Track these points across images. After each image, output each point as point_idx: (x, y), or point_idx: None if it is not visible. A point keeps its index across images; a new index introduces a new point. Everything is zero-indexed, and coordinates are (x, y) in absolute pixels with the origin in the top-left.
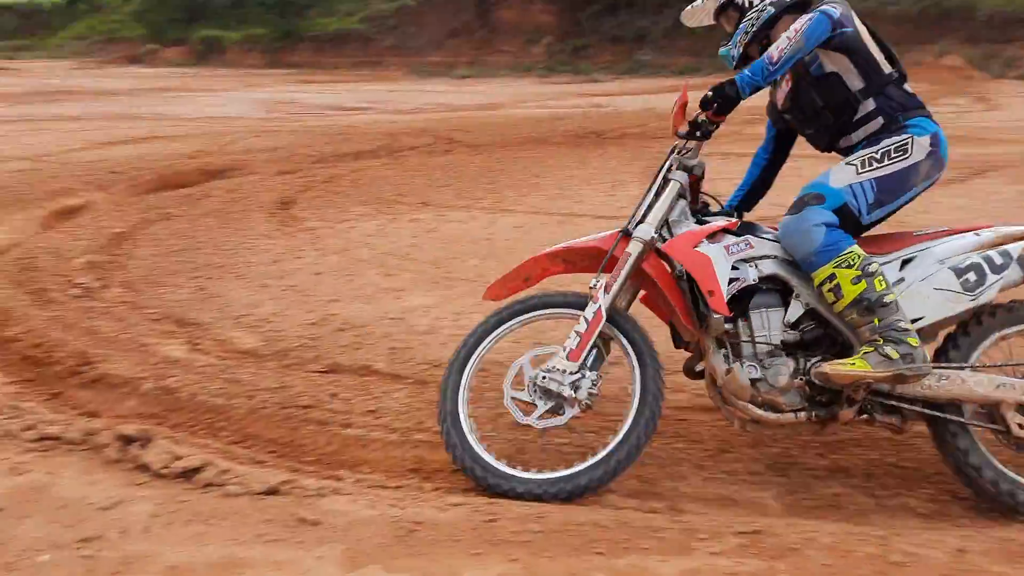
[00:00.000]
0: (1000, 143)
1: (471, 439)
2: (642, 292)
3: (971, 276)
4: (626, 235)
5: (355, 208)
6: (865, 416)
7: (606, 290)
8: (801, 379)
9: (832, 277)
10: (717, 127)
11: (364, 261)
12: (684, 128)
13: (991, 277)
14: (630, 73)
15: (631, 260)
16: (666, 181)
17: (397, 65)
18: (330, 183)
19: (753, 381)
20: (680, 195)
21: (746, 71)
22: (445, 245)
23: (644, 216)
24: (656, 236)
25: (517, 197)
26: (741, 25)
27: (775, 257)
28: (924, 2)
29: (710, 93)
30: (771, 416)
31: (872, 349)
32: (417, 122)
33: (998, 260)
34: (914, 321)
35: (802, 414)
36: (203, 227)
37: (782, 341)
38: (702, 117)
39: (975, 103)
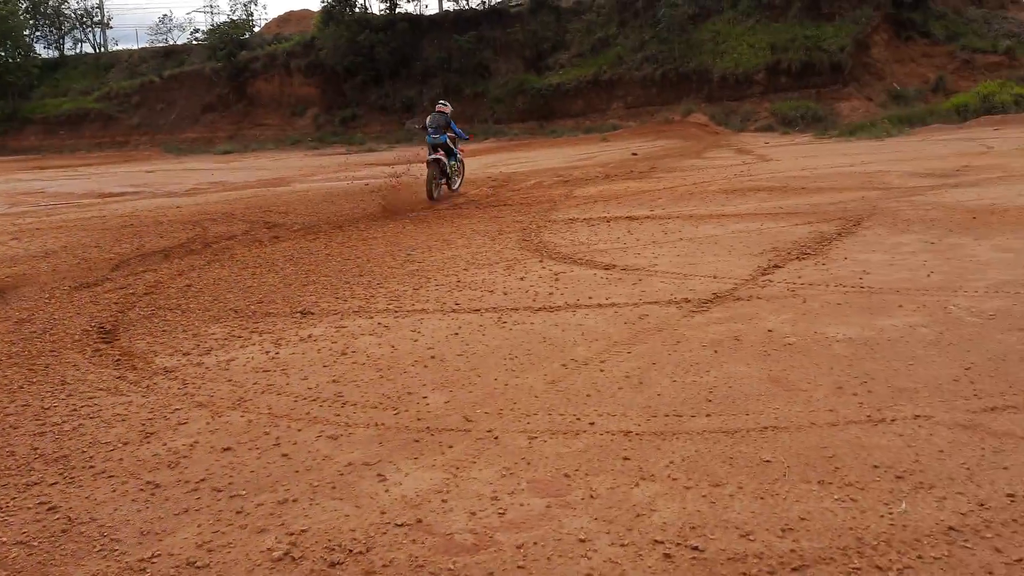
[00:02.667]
0: (818, 191)
1: None
2: None
3: None
4: None
5: (211, 328)
6: None
7: None
8: None
9: None
10: None
11: (284, 417)
12: None
13: None
14: (405, 142)
15: None
16: None
17: (147, 144)
18: (155, 295)
19: None
20: None
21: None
22: (381, 374)
23: None
24: None
25: (412, 291)
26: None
27: None
28: (665, 67)
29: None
30: None
31: None
32: (209, 205)
33: None
34: None
35: None
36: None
37: None
38: None
39: (751, 157)
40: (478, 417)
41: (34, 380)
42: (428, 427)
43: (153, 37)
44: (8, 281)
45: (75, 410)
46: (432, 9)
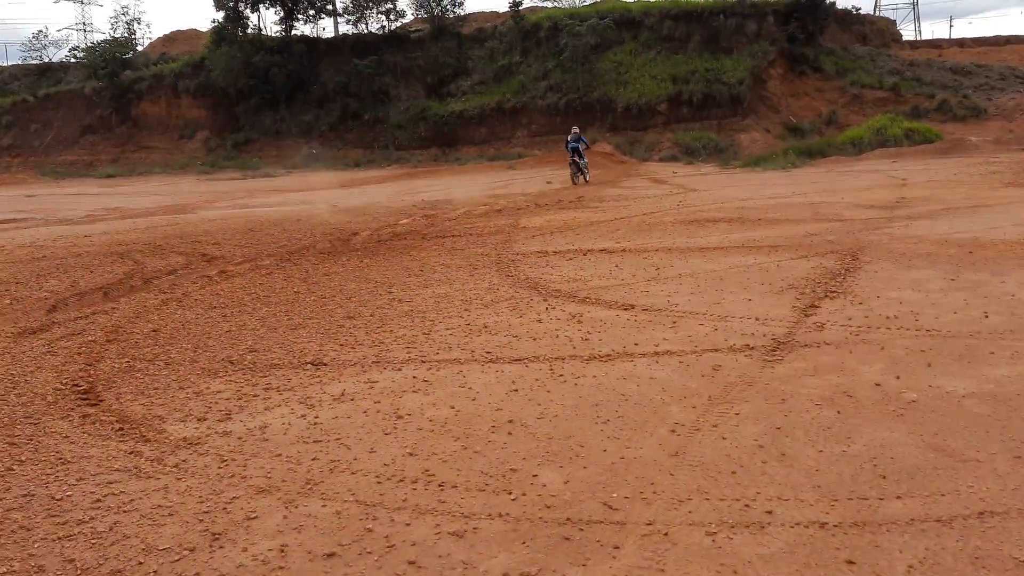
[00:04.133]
0: (776, 222)
1: None
2: None
3: None
4: None
5: (211, 384)
6: None
7: None
8: None
9: None
10: None
11: (377, 506)
12: None
13: None
14: (303, 167)
15: None
16: None
17: (19, 166)
18: (120, 342)
19: None
20: None
21: None
22: (463, 444)
23: None
24: None
25: (424, 336)
26: None
27: None
28: (569, 96)
29: None
30: None
31: None
32: (122, 234)
33: None
34: None
35: None
36: None
37: None
38: None
39: (670, 187)
40: (621, 504)
41: (22, 459)
42: (568, 519)
43: (26, 54)
44: None
45: (98, 501)
46: (329, 32)
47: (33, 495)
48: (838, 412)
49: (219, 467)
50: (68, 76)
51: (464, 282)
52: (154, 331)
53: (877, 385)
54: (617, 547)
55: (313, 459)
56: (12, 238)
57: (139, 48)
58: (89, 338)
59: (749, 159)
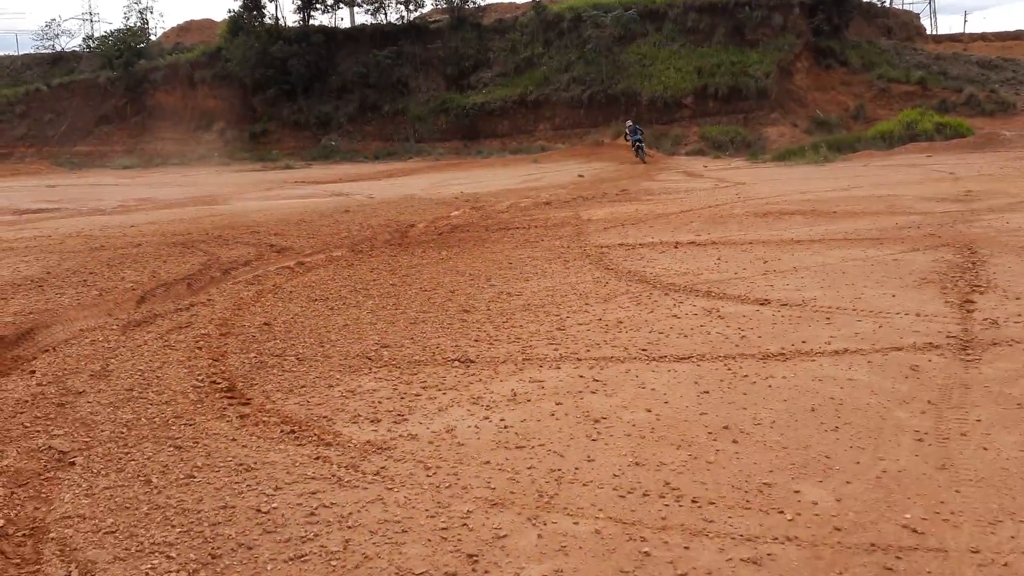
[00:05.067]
0: (854, 215)
1: None
2: None
3: None
4: None
5: (362, 382)
6: None
7: None
8: None
9: None
10: None
11: (636, 525)
12: None
13: None
14: (322, 159)
15: None
16: None
17: (33, 156)
18: (235, 335)
19: None
20: None
21: None
22: (691, 454)
23: None
24: None
25: (559, 332)
26: None
27: None
28: (592, 89)
29: None
30: None
31: None
32: (172, 224)
33: None
34: None
35: None
36: (184, 495)
37: None
38: None
39: (710, 180)
40: (924, 527)
41: (199, 465)
42: (872, 544)
43: (38, 43)
44: (32, 318)
45: (312, 514)
46: (347, 23)
47: (233, 507)
48: None
49: (427, 475)
50: (81, 65)
51: (564, 275)
52: (265, 324)
53: None
54: None
55: (529, 468)
56: (56, 228)
57: (152, 37)
58: (201, 331)
59: (778, 153)
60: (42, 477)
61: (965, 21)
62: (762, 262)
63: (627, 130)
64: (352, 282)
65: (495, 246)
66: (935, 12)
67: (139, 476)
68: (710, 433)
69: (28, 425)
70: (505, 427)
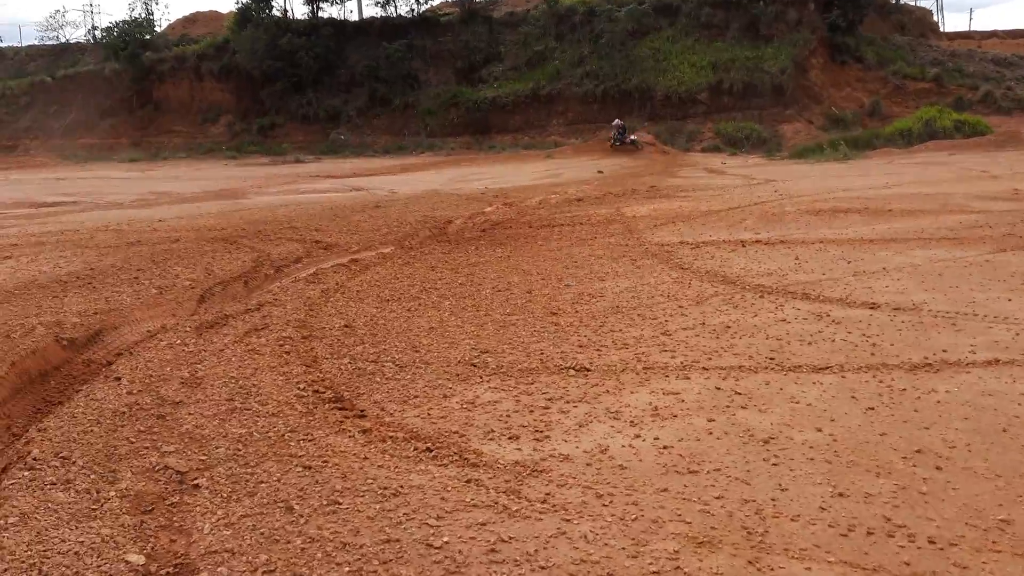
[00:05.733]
0: (911, 214)
1: None
2: None
3: None
4: None
5: (473, 391)
6: None
7: None
8: None
9: None
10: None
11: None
12: None
13: None
14: (331, 153)
15: None
16: None
17: (38, 148)
18: (319, 339)
19: None
20: None
21: None
22: (898, 484)
23: None
24: None
25: (664, 337)
26: None
27: None
28: (606, 83)
29: None
30: None
31: None
32: (207, 219)
33: None
34: None
35: None
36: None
37: None
38: None
39: (738, 177)
40: None
41: (339, 489)
42: None
43: (43, 34)
44: (98, 319)
45: (493, 551)
46: (356, 15)
47: (398, 541)
48: None
49: (603, 505)
50: (86, 57)
51: (638, 275)
52: (346, 327)
53: None
54: None
55: (718, 498)
56: (81, 221)
57: (158, 29)
58: (281, 334)
59: (796, 150)
60: (167, 502)
61: (971, 18)
62: (845, 262)
63: (616, 130)
64: (417, 281)
65: (547, 244)
66: (942, 9)
67: (276, 502)
68: (905, 458)
69: (134, 440)
70: (664, 447)
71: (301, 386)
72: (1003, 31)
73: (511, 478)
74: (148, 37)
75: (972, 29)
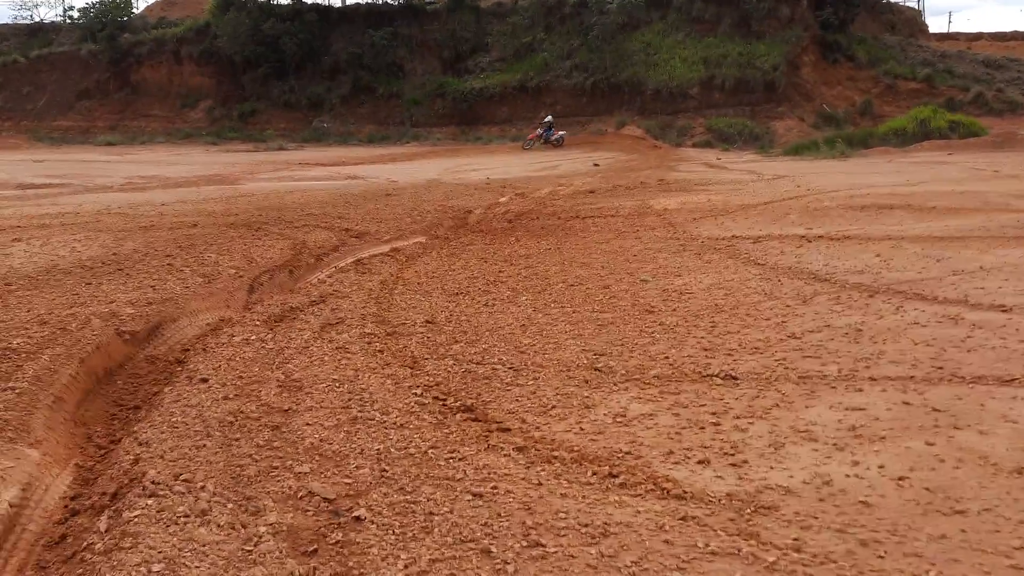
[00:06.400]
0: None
1: None
2: None
3: None
4: None
5: (612, 398)
6: None
7: None
8: None
9: None
10: None
11: None
12: None
13: None
14: (313, 141)
15: None
16: None
17: (10, 130)
18: (405, 336)
19: None
20: None
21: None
22: None
23: None
24: None
25: (796, 341)
26: None
27: None
28: (596, 76)
29: None
30: None
31: None
32: (215, 204)
33: None
34: None
35: None
36: None
37: None
38: None
39: (747, 173)
40: None
41: (532, 524)
42: None
43: (16, 13)
44: (154, 310)
45: None
46: (340, 2)
47: None
48: None
49: (876, 556)
50: (61, 37)
51: (715, 271)
52: (428, 323)
53: None
54: None
55: (1019, 548)
56: (79, 204)
57: (136, 11)
58: (363, 330)
59: (789, 147)
60: (330, 540)
61: (950, 21)
62: (933, 260)
63: (543, 126)
64: (476, 274)
65: (590, 236)
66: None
67: (464, 541)
68: None
69: (257, 458)
70: (899, 479)
71: (417, 391)
72: (989, 34)
73: (735, 516)
74: (125, 19)
75: (953, 31)
